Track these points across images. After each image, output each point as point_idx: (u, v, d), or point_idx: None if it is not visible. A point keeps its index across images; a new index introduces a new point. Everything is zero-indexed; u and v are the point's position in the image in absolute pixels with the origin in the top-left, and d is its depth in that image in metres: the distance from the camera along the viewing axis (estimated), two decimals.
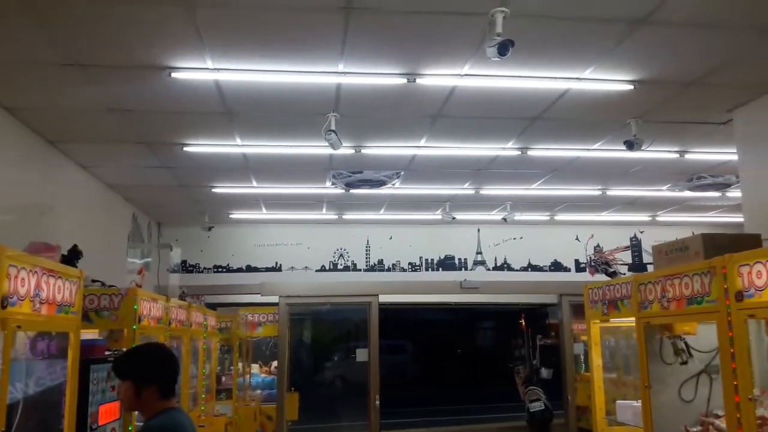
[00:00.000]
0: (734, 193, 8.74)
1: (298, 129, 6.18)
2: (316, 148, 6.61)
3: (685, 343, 4.08)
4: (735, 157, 6.09)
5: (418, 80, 4.97)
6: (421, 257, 11.56)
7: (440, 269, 11.54)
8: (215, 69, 4.76)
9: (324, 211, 10.21)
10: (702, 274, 3.47)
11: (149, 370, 2.75)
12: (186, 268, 10.98)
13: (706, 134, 6.45)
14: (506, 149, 6.89)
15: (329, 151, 6.24)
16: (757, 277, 3.01)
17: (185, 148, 6.64)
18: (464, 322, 21.75)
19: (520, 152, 6.94)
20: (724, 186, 8.59)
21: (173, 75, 4.80)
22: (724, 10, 4.02)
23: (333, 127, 5.57)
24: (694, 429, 3.86)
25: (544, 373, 13.05)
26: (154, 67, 4.72)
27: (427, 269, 11.53)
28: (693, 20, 4.14)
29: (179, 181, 8.15)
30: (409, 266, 11.51)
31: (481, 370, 19.75)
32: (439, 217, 10.19)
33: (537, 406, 11.87)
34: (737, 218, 8.05)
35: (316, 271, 11.24)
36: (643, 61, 4.77)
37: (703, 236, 3.74)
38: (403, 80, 4.97)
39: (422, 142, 6.64)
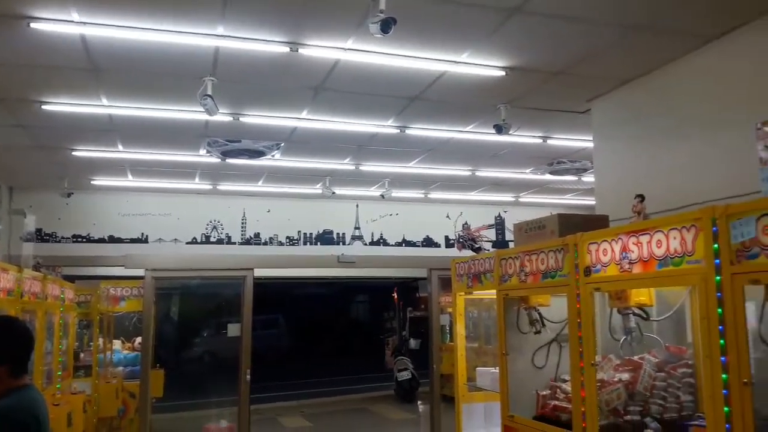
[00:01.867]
0: (589, 178, 9.56)
1: (171, 92, 5.88)
2: (190, 113, 6.34)
3: (539, 314, 4.34)
4: (591, 145, 6.65)
5: (301, 50, 4.92)
6: (299, 231, 11.51)
7: (318, 243, 11.56)
8: (81, 22, 4.39)
9: (197, 180, 9.82)
10: (556, 251, 3.73)
11: (0, 346, 2.54)
12: (41, 236, 10.11)
13: (567, 122, 6.98)
14: (386, 127, 7.02)
15: (205, 117, 6.01)
16: (603, 255, 3.30)
17: (44, 107, 6.08)
18: (340, 296, 22.02)
19: (399, 130, 7.10)
20: (580, 171, 9.36)
21: (33, 26, 4.38)
22: (589, 6, 4.35)
23: (209, 92, 5.36)
24: (544, 392, 4.17)
25: (413, 343, 13.59)
26: (11, 16, 4.27)
27: (305, 243, 11.51)
28: (561, 12, 4.44)
29: (36, 142, 7.45)
30: (287, 240, 11.42)
31: (355, 342, 20.15)
32: (319, 191, 10.18)
33: (404, 375, 12.39)
34: (590, 201, 8.81)
35: (187, 243, 10.82)
36: (515, 49, 5.06)
37: (559, 216, 4.02)
38: (285, 49, 4.89)
39: (304, 114, 6.59)
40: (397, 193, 10.37)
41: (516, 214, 11.68)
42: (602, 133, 6.33)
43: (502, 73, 5.45)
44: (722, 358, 2.50)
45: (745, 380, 2.38)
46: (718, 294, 2.52)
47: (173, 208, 10.77)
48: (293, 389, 13.47)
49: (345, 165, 8.83)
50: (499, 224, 12.54)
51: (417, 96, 6.05)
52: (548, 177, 9.88)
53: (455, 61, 5.23)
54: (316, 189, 10.25)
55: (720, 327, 2.52)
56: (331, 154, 8.26)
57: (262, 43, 4.82)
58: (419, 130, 7.18)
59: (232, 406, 8.39)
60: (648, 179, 5.38)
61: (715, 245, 2.55)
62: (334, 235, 11.69)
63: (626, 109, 5.93)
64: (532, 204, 12.11)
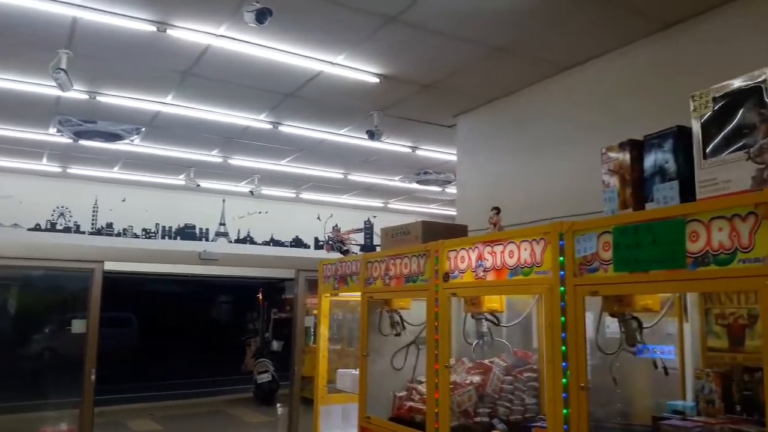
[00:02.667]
0: (452, 190, 9.94)
1: (19, 61, 5.29)
2: (40, 86, 5.75)
3: (400, 316, 4.42)
4: (455, 158, 6.91)
5: (170, 31, 4.63)
6: (158, 224, 10.86)
7: (179, 238, 10.98)
8: None
9: (45, 161, 8.93)
10: (419, 256, 3.82)
11: None
12: None
13: (435, 134, 7.21)
14: (258, 121, 6.82)
15: (57, 92, 5.47)
16: (461, 262, 3.42)
17: None
18: (201, 295, 21.10)
19: (272, 126, 6.94)
20: (444, 182, 9.73)
21: None
22: (459, 24, 4.50)
23: (63, 66, 4.89)
24: (401, 393, 4.24)
25: (275, 345, 13.36)
26: None
27: (164, 237, 10.88)
28: (434, 27, 4.56)
29: None
30: (144, 233, 10.73)
31: (214, 343, 19.42)
32: (183, 182, 9.69)
33: (264, 378, 12.13)
34: (453, 211, 9.17)
35: (29, 229, 9.81)
36: (390, 57, 5.12)
37: (423, 223, 4.12)
38: (152, 27, 4.57)
39: (169, 99, 6.22)
40: (267, 190, 10.14)
41: (384, 220, 11.90)
42: (466, 148, 6.59)
43: (376, 79, 5.50)
44: (563, 364, 2.64)
45: (582, 384, 2.53)
46: (562, 303, 2.67)
47: (15, 190, 9.73)
48: (145, 391, 12.73)
49: (212, 157, 8.47)
50: (368, 229, 12.72)
51: (292, 93, 5.94)
52: (416, 186, 10.16)
53: (331, 62, 5.20)
54: (179, 180, 9.74)
55: (562, 334, 2.66)
56: (198, 144, 7.88)
57: (126, 18, 4.46)
58: (293, 128, 7.06)
59: (74, 408, 7.76)
60: (506, 194, 5.69)
61: (561, 258, 2.69)
62: (197, 231, 11.18)
63: (489, 127, 6.23)
64: (399, 211, 12.40)
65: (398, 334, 4.41)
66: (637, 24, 4.40)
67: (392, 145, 7.60)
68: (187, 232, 11.07)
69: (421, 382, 4.10)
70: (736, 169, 2.15)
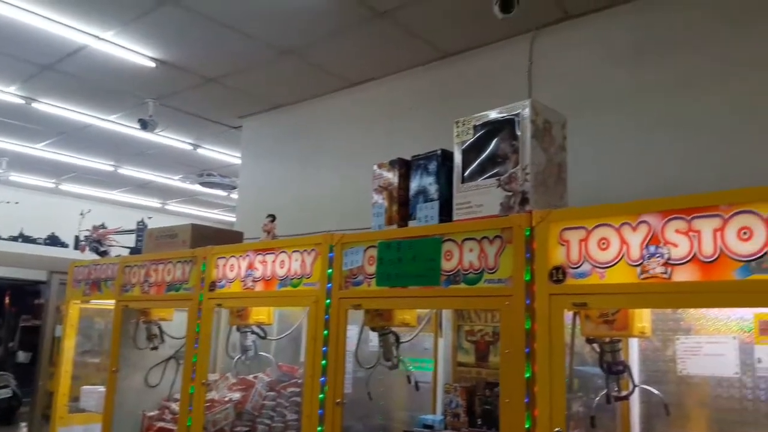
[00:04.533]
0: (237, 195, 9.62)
1: None
2: None
3: (160, 328, 4.10)
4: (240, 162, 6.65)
5: None
6: None
7: None
8: None
9: None
10: (185, 262, 3.55)
11: None
12: None
13: (219, 134, 6.87)
14: (7, 94, 5.89)
15: None
16: (230, 270, 3.23)
17: None
18: None
19: (24, 101, 6.03)
20: (230, 187, 9.34)
21: None
22: (244, 18, 4.27)
23: None
24: (151, 413, 3.90)
25: (22, 356, 11.83)
26: None
27: None
28: (218, 16, 4.27)
29: None
30: None
31: None
32: None
33: (4, 393, 10.67)
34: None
35: None
36: (168, 42, 4.70)
37: (192, 226, 3.83)
38: None
39: None
40: (17, 177, 8.81)
41: (161, 222, 11.03)
42: (249, 152, 6.38)
43: (152, 64, 5.03)
44: (322, 379, 2.59)
45: (338, 401, 2.50)
46: (326, 316, 2.63)
47: None
48: None
49: None
50: (141, 230, 11.68)
51: (50, 66, 5.18)
52: (198, 188, 9.63)
53: (98, 37, 4.63)
54: None
55: (324, 348, 2.61)
56: None
57: None
58: (51, 107, 6.21)
59: None
60: (286, 202, 5.57)
61: (330, 270, 2.66)
62: None
63: (274, 133, 6.09)
64: (179, 213, 11.67)
65: (155, 348, 4.09)
66: (421, 49, 4.60)
67: (171, 139, 7.08)
68: None
69: (177, 401, 3.82)
70: (488, 195, 2.28)
